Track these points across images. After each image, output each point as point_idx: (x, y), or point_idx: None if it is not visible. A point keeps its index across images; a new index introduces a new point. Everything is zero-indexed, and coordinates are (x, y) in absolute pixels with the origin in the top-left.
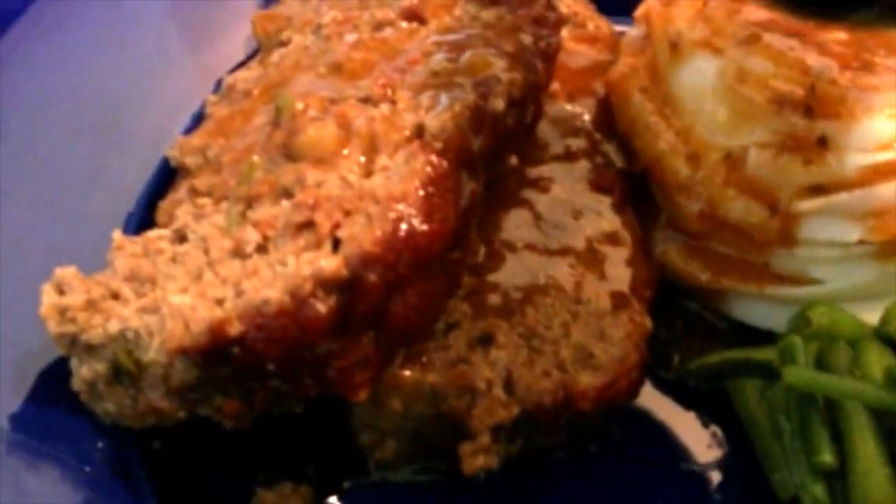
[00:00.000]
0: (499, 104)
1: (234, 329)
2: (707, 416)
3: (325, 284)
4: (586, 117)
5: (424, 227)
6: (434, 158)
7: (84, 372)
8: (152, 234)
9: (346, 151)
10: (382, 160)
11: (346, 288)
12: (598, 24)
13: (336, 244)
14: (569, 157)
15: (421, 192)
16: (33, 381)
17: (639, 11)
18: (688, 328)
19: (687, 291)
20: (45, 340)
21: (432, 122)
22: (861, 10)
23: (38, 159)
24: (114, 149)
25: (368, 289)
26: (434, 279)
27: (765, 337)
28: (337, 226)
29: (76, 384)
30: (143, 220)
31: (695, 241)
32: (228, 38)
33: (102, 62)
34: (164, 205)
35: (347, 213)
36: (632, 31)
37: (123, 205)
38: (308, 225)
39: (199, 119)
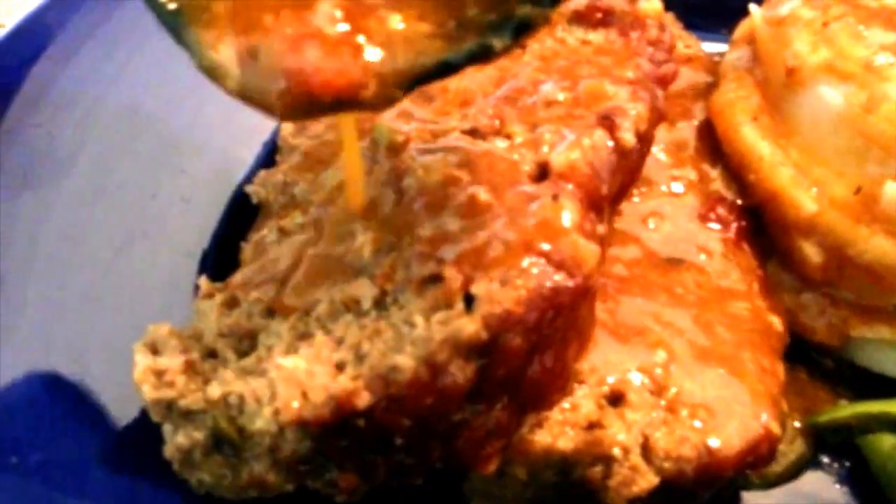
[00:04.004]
0: (629, 139)
1: (363, 401)
2: (838, 474)
3: (463, 350)
4: (689, 144)
5: (570, 283)
6: (568, 201)
7: (179, 439)
8: (241, 277)
9: (462, 192)
10: (507, 202)
11: (484, 352)
12: (688, 42)
13: (469, 301)
14: (676, 189)
15: (563, 240)
16: (121, 448)
17: (738, 33)
18: (812, 376)
19: (806, 334)
20: (130, 402)
21: (558, 159)
22: None
23: (106, 193)
24: (184, 182)
25: (509, 353)
26: (570, 337)
27: (893, 385)
28: (469, 281)
29: (169, 452)
30: (217, 258)
31: (812, 286)
32: None
33: (165, 85)
34: (248, 247)
35: (479, 266)
36: (732, 53)
37: (198, 243)
38: (434, 279)
39: (271, 148)
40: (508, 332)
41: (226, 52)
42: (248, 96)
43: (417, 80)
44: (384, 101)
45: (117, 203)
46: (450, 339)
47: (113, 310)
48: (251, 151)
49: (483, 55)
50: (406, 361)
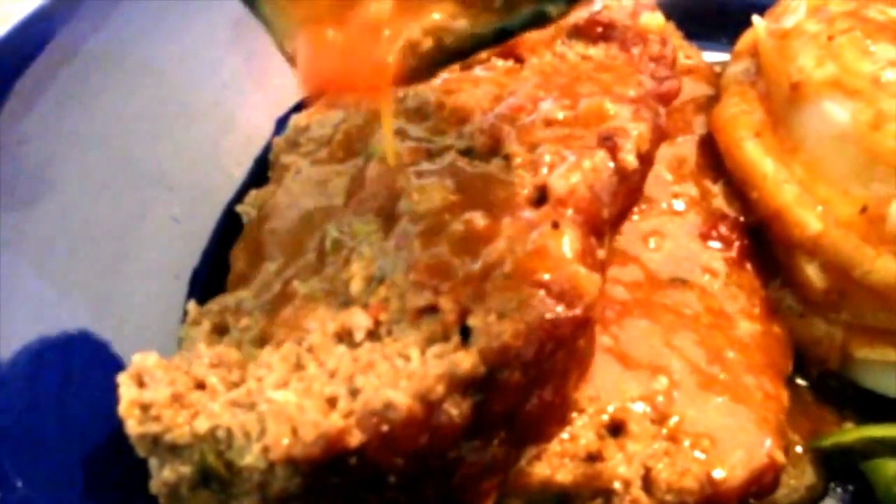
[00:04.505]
0: (631, 160)
1: (355, 439)
2: (842, 499)
3: (460, 385)
4: (690, 160)
5: (570, 315)
6: (569, 228)
7: (166, 474)
8: (231, 302)
9: (458, 219)
10: (506, 229)
11: (481, 388)
12: (689, 53)
13: (465, 334)
14: (677, 207)
15: (563, 271)
16: (107, 483)
17: (741, 44)
18: (817, 398)
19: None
20: (115, 435)
21: (558, 183)
22: None
23: (92, 213)
24: (175, 199)
25: (508, 388)
26: (570, 368)
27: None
28: (465, 312)
29: (155, 487)
30: (208, 280)
31: (815, 308)
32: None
33: (158, 101)
34: (238, 265)
35: (475, 298)
36: (735, 66)
37: (188, 264)
38: (430, 310)
39: (262, 164)
40: (507, 367)
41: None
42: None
43: (474, 46)
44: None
45: (104, 223)
46: (446, 375)
47: (99, 335)
48: (243, 169)
49: (538, 21)
50: (400, 398)
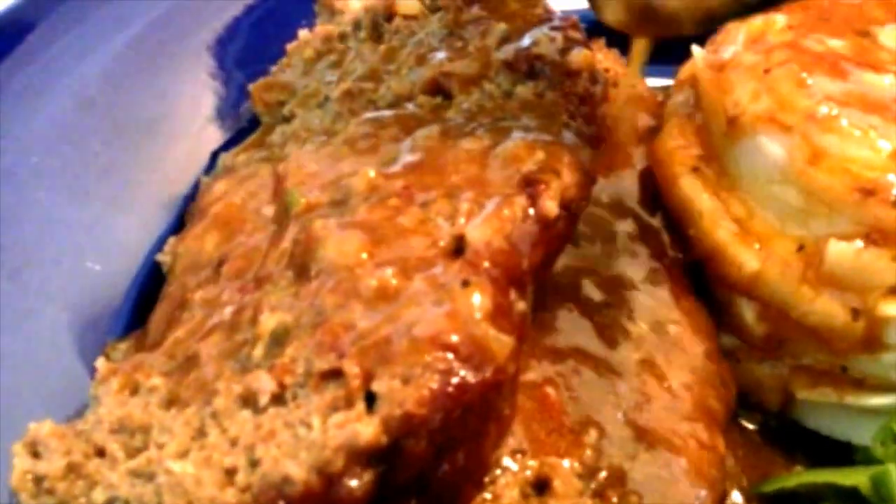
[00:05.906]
0: (552, 207)
1: None
2: None
3: (361, 457)
4: (630, 195)
5: (477, 380)
6: (482, 283)
7: None
8: (143, 360)
9: (370, 275)
10: (417, 284)
11: (384, 458)
12: (633, 81)
13: (370, 399)
14: (615, 246)
15: (471, 332)
16: None
17: (682, 74)
18: (765, 439)
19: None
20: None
21: (475, 233)
22: None
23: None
24: (96, 244)
25: (413, 458)
26: (486, 430)
27: (843, 449)
28: (370, 377)
29: None
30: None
31: (755, 349)
32: (222, 109)
33: (74, 141)
34: (156, 320)
35: (381, 361)
36: (677, 96)
37: (107, 313)
38: (334, 374)
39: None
40: (412, 436)
41: None
42: None
43: None
44: None
45: (16, 270)
46: (345, 446)
47: (6, 396)
48: (167, 212)
49: None
50: (297, 471)
